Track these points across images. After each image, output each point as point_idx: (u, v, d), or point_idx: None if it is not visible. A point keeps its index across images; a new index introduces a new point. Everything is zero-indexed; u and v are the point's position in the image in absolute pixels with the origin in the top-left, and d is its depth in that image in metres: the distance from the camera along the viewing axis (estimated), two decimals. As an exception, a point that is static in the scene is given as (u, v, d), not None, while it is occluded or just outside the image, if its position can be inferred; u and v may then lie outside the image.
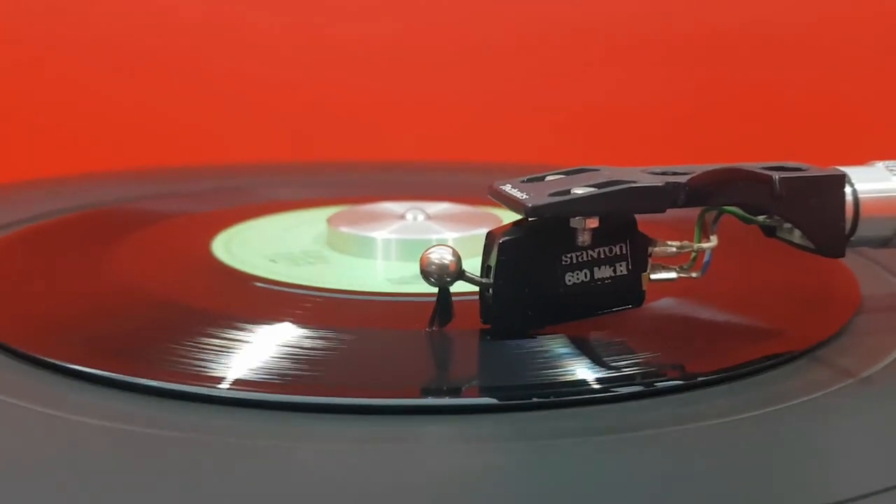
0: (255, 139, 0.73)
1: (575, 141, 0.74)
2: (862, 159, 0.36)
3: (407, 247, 0.40)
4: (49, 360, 0.32)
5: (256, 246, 0.42)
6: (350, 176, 0.59)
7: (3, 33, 0.73)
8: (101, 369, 0.31)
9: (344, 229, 0.41)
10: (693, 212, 0.34)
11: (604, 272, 0.33)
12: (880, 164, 0.35)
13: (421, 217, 0.42)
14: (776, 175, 0.32)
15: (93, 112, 0.73)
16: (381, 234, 0.41)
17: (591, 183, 0.32)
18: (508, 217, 0.33)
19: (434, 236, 0.40)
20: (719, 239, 0.34)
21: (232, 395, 0.30)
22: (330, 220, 0.42)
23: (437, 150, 0.71)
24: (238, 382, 0.30)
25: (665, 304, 0.35)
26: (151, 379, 0.30)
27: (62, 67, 0.73)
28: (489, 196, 0.33)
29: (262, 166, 0.62)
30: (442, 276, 0.32)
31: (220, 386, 0.30)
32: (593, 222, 0.32)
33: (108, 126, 0.73)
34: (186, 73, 0.73)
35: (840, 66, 0.73)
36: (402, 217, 0.42)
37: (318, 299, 0.36)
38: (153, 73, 0.73)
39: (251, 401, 0.30)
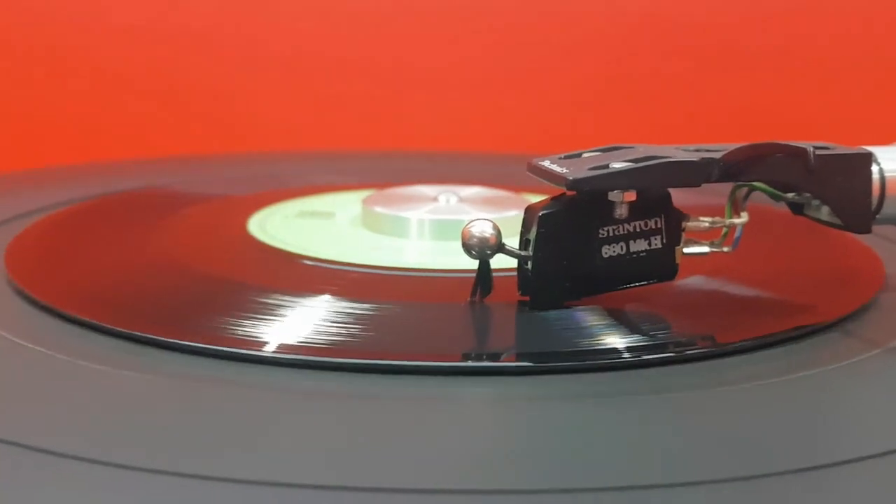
0: (289, 128, 0.75)
1: (598, 132, 0.75)
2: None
3: (440, 227, 0.42)
4: (107, 326, 0.33)
5: (294, 224, 0.43)
6: (382, 163, 0.61)
7: (47, 21, 0.74)
8: (160, 335, 0.32)
9: (379, 209, 0.43)
10: (718, 195, 0.35)
11: (639, 245, 0.34)
12: (905, 144, 0.36)
13: (454, 199, 0.44)
14: (811, 148, 0.33)
15: (136, 104, 0.75)
16: (415, 214, 0.42)
17: (628, 158, 0.33)
18: (539, 199, 0.35)
19: (466, 217, 0.41)
20: (749, 216, 0.35)
21: (285, 358, 0.31)
22: (365, 201, 0.43)
23: (465, 142, 0.73)
24: (288, 347, 0.32)
25: (697, 278, 0.36)
26: (210, 344, 0.32)
27: (92, 58, 0.74)
28: (527, 172, 0.34)
29: (296, 154, 0.64)
30: (483, 248, 0.33)
31: (282, 349, 0.31)
32: (631, 196, 0.33)
33: (157, 114, 0.74)
34: (227, 65, 0.75)
35: (844, 59, 0.75)
36: (435, 199, 0.43)
37: (356, 275, 0.37)
38: (189, 66, 0.75)
39: (315, 363, 0.31)
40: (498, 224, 0.33)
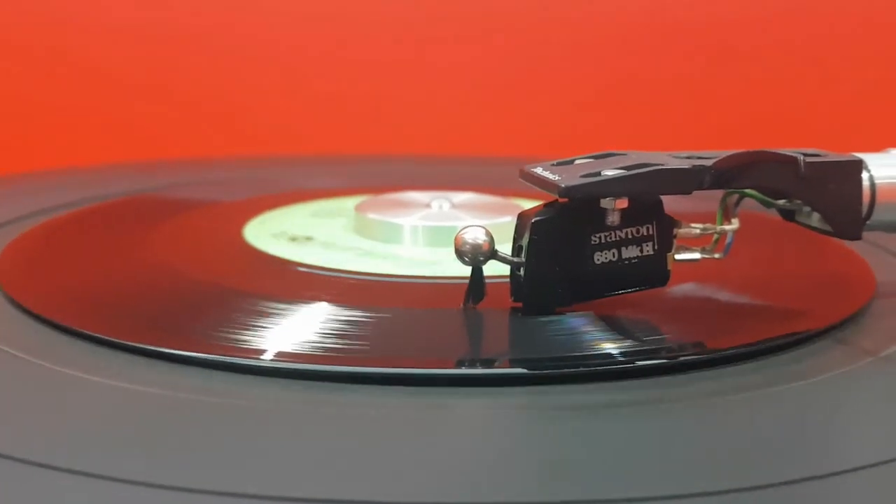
0: (284, 130, 0.75)
1: (592, 136, 0.75)
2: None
3: (433, 233, 0.42)
4: (97, 335, 0.33)
5: (286, 231, 0.43)
6: (376, 168, 0.61)
7: (51, 24, 0.74)
8: (151, 344, 0.32)
9: (371, 216, 0.43)
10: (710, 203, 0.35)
11: (631, 252, 0.34)
12: (895, 151, 0.36)
13: (446, 205, 0.44)
14: (801, 156, 0.33)
15: (130, 106, 0.75)
16: (407, 220, 0.42)
17: (621, 165, 0.33)
18: (532, 206, 0.35)
19: (459, 223, 0.41)
20: (740, 224, 0.35)
21: (278, 367, 0.31)
22: (357, 208, 0.44)
23: (457, 145, 0.73)
24: (284, 355, 0.32)
25: (689, 285, 0.36)
26: (205, 353, 0.32)
27: (90, 59, 0.74)
28: (520, 178, 0.35)
29: (288, 158, 0.64)
30: (475, 255, 0.33)
31: (275, 358, 0.31)
32: (623, 203, 0.33)
33: (155, 115, 0.75)
34: (217, 67, 0.75)
35: (841, 59, 0.75)
36: (428, 205, 0.44)
37: (351, 281, 0.37)
38: (183, 68, 0.75)
39: (306, 371, 0.31)
40: (491, 230, 0.33)
